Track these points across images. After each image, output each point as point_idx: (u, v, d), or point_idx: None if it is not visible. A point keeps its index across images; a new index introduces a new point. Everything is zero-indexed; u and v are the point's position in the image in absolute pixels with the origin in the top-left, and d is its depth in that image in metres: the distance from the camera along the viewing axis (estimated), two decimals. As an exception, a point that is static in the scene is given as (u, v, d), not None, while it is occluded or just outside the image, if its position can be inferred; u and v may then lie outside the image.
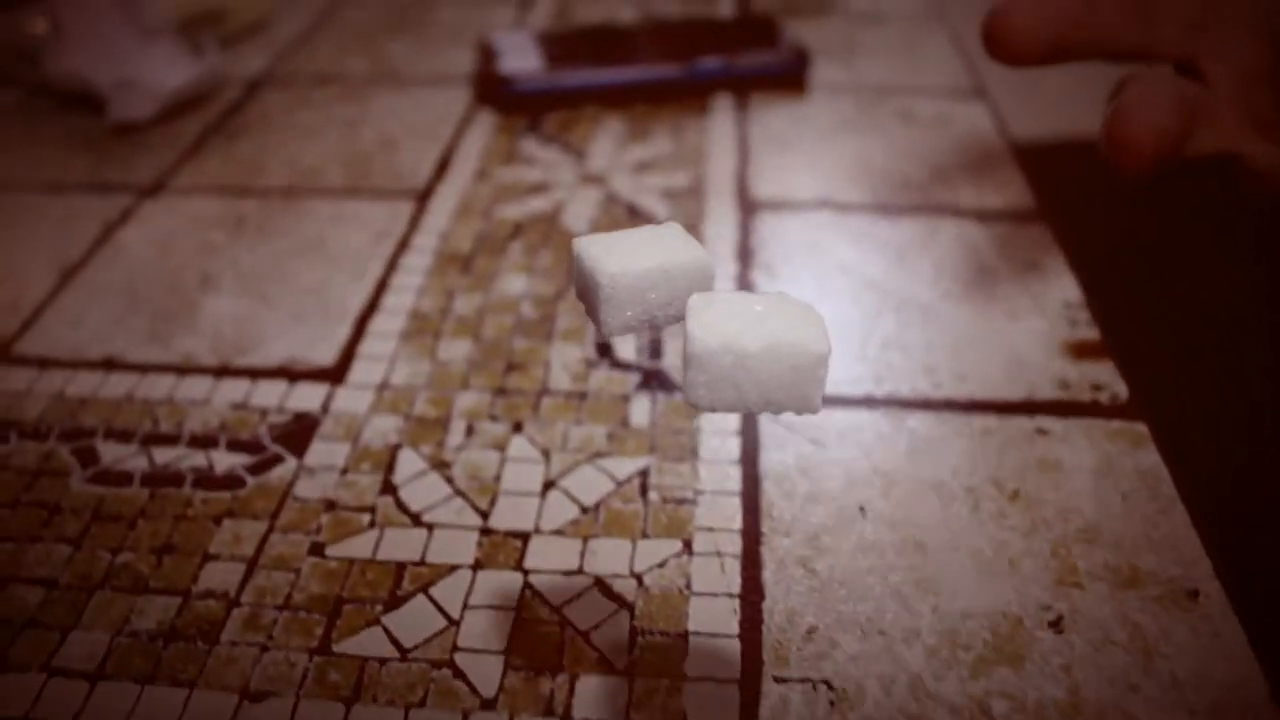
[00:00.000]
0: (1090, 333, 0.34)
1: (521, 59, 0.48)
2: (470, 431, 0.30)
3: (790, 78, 0.50)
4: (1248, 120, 0.32)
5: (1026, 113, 0.48)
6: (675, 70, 0.48)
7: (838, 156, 0.44)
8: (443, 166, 0.44)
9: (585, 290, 0.22)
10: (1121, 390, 0.31)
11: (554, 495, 0.28)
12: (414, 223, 0.40)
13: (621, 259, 0.21)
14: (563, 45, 0.50)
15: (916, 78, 0.51)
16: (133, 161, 0.45)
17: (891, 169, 0.43)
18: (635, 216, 0.40)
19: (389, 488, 0.28)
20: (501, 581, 0.25)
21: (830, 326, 0.34)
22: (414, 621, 0.25)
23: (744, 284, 0.36)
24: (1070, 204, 0.42)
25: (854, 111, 0.48)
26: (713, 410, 0.20)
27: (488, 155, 0.44)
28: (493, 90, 0.48)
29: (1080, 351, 0.33)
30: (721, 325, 0.19)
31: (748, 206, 0.40)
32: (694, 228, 0.39)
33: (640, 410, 0.30)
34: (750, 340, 0.19)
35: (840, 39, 0.56)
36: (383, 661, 0.24)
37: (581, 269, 0.21)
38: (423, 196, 0.41)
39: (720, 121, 0.47)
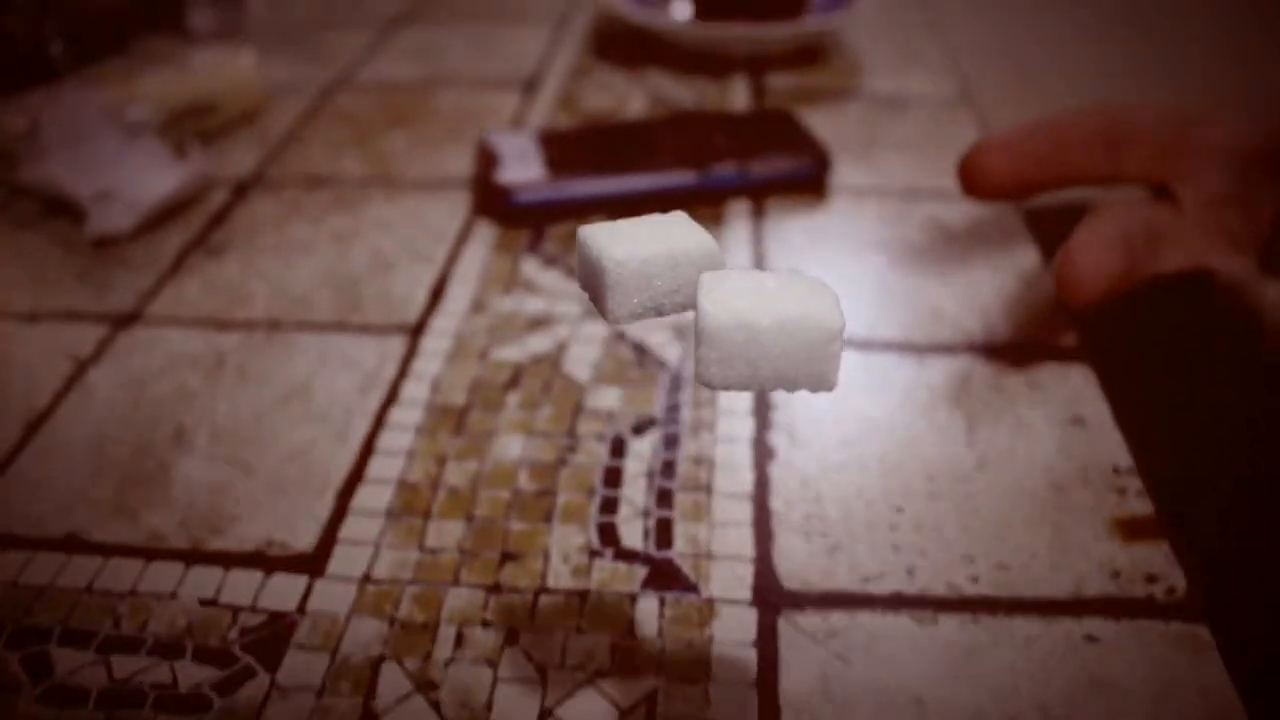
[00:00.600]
0: (1142, 505, 0.31)
1: (522, 166, 0.46)
2: (460, 641, 0.27)
3: (810, 182, 0.47)
4: (1219, 237, 0.34)
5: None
6: (688, 179, 0.46)
7: (861, 280, 0.42)
8: (437, 293, 0.42)
9: (590, 278, 0.22)
10: (1179, 581, 0.29)
11: (551, 727, 0.25)
12: (405, 366, 0.38)
13: (627, 245, 0.21)
14: (566, 147, 0.48)
15: (945, 178, 0.49)
16: (110, 282, 0.43)
17: (919, 296, 0.41)
18: (644, 356, 0.38)
19: (369, 715, 0.26)
20: (490, 846, 0.23)
21: (857, 501, 0.31)
22: None
23: (762, 457, 0.34)
24: (1115, 340, 0.40)
25: (877, 222, 0.46)
26: (726, 388, 0.20)
27: (485, 280, 0.42)
28: (492, 201, 0.46)
29: (1131, 530, 0.30)
30: (733, 301, 0.19)
31: (764, 345, 0.38)
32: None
33: (648, 614, 0.28)
34: (762, 315, 0.19)
35: (861, 130, 0.54)
36: None
37: (586, 256, 0.21)
38: (415, 331, 0.39)
39: (735, 237, 0.45)
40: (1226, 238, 0.34)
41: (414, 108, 0.58)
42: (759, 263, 0.43)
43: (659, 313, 0.22)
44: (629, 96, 0.59)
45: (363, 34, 0.71)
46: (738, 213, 0.47)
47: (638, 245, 0.21)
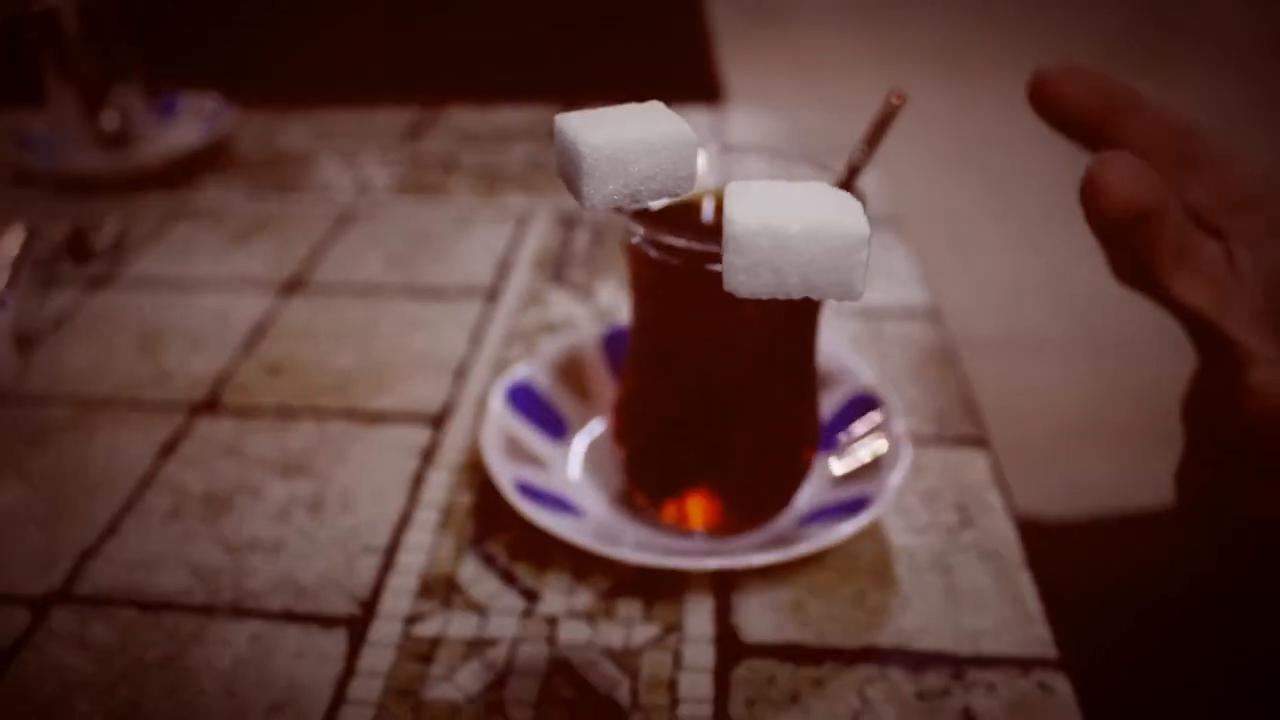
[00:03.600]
0: None
1: None
2: None
3: None
4: (1265, 319, 0.33)
5: None
6: None
7: None
8: None
9: (566, 164, 0.23)
10: None
11: None
12: None
13: (604, 130, 0.22)
14: None
15: None
16: None
17: None
18: None
19: None
20: None
21: None
22: None
23: None
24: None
25: None
26: (753, 295, 0.22)
27: None
28: None
29: None
30: (760, 208, 0.21)
31: None
32: None
33: None
34: (789, 222, 0.21)
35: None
36: None
37: (563, 142, 0.23)
38: None
39: None
40: (1274, 325, 0.32)
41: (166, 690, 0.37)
42: None
43: (635, 200, 0.23)
44: (509, 675, 0.37)
45: (138, 441, 0.50)
46: None
47: (614, 130, 0.22)
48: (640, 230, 0.36)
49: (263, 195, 0.77)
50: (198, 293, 0.64)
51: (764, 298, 0.22)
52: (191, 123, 0.84)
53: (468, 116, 0.91)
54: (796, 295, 0.21)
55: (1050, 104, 0.34)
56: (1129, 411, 1.65)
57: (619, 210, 0.37)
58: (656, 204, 0.40)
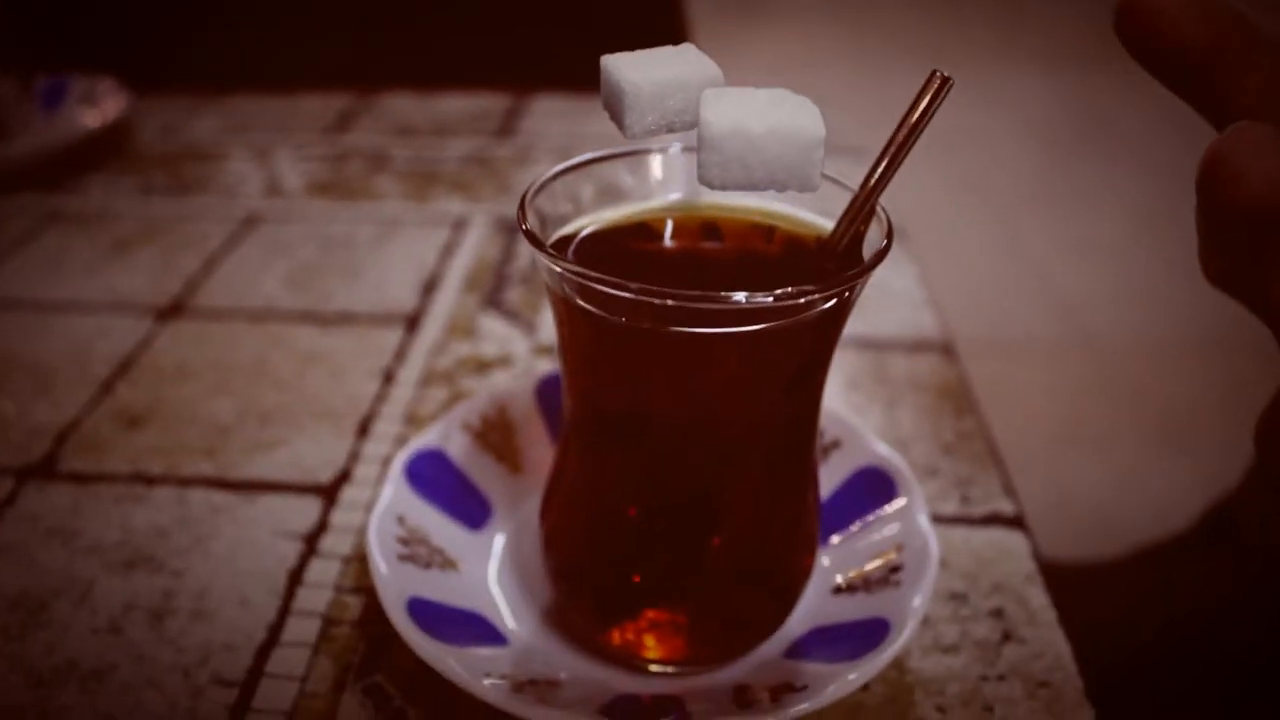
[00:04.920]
0: None
1: None
2: None
3: None
4: None
5: None
6: None
7: None
8: None
9: (611, 98, 0.25)
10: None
11: None
12: None
13: (644, 70, 0.25)
14: None
15: None
16: None
17: None
18: None
19: None
20: None
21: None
22: None
23: None
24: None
25: None
26: (724, 188, 0.24)
27: None
28: None
29: None
30: (731, 112, 0.23)
31: None
32: None
33: None
34: (756, 124, 0.23)
35: None
36: None
37: (608, 80, 0.25)
38: None
39: None
40: None
41: None
42: None
43: (670, 129, 0.25)
44: None
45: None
46: None
47: (652, 70, 0.24)
48: (571, 276, 0.25)
49: (156, 196, 0.66)
50: (57, 316, 0.53)
51: (732, 190, 0.24)
52: (79, 111, 0.73)
53: (405, 104, 0.80)
54: (762, 189, 0.23)
55: (1144, 32, 0.27)
56: (1118, 414, 1.58)
57: (537, 247, 0.26)
58: (592, 227, 0.29)
